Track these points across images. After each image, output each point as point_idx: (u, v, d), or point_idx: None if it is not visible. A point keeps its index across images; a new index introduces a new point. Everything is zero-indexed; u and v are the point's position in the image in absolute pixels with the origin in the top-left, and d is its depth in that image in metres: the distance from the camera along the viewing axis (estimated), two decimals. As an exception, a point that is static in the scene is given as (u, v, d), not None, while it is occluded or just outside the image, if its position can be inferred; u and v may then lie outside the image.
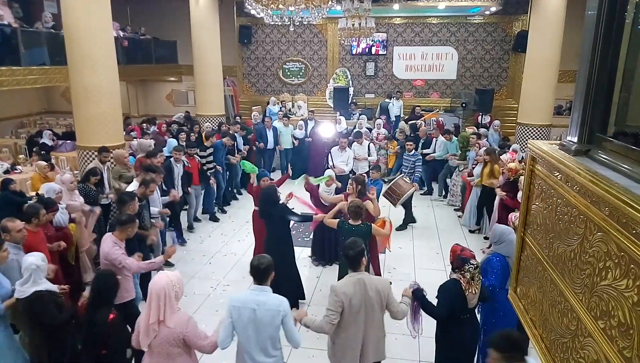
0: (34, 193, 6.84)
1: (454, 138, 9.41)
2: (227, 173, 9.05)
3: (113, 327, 3.16)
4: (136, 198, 4.80)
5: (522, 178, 6.13)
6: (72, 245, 5.09)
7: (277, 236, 5.15)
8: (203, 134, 9.07)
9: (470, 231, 7.91)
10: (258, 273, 3.11)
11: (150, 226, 5.43)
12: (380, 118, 11.60)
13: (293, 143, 10.83)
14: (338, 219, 4.73)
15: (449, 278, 3.64)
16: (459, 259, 3.53)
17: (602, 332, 1.54)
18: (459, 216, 8.57)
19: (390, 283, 3.57)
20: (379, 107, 13.60)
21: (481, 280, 3.59)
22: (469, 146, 8.67)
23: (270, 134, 10.38)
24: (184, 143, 8.24)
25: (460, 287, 3.45)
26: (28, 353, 3.63)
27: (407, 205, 7.89)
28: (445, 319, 3.56)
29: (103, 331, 3.12)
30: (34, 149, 9.46)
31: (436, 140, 9.64)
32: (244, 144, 9.60)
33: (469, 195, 8.19)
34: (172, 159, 7.11)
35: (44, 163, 7.45)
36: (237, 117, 12.11)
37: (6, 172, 7.90)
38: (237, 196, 9.65)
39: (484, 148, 7.72)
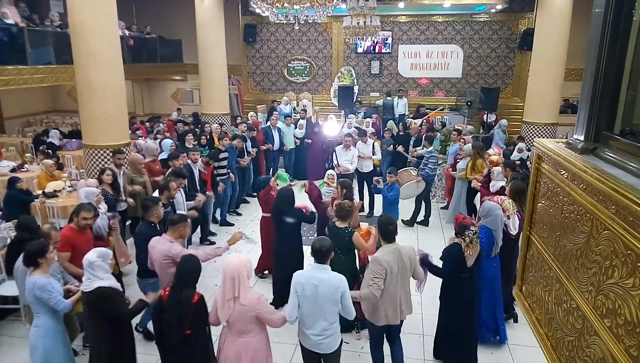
0: (40, 192, 6.90)
1: (438, 134, 9.52)
2: (239, 177, 8.67)
3: (198, 307, 3.26)
4: (159, 202, 4.69)
5: (495, 168, 6.54)
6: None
7: (288, 238, 5.18)
8: (215, 137, 8.74)
9: None
10: (319, 254, 3.43)
11: None
12: (370, 117, 11.50)
13: (295, 142, 10.60)
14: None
15: (452, 242, 4.20)
16: (461, 226, 4.06)
17: (608, 330, 1.54)
18: (444, 212, 8.64)
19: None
20: (382, 105, 13.57)
21: (479, 244, 4.11)
22: (449, 140, 8.78)
23: (276, 135, 10.10)
24: (191, 145, 7.76)
25: (460, 249, 4.01)
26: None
27: (419, 201, 7.92)
28: (448, 278, 4.16)
29: (188, 311, 3.22)
30: (40, 148, 9.52)
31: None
32: (252, 146, 9.16)
33: (449, 191, 8.34)
34: (189, 161, 6.86)
35: (50, 162, 7.50)
36: (239, 118, 11.81)
37: (13, 171, 7.95)
38: (248, 199, 9.27)
39: (469, 144, 7.84)
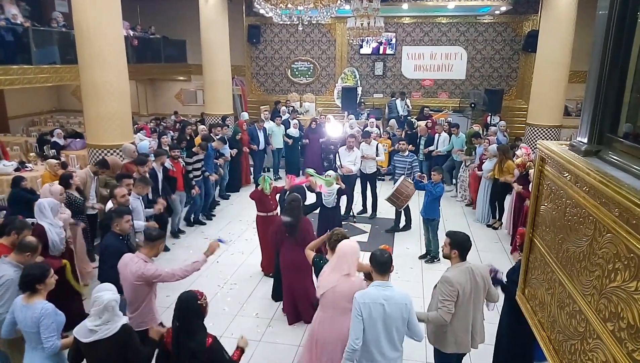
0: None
1: (461, 134, 9.56)
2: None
3: (215, 353, 2.77)
4: (125, 216, 4.18)
5: (531, 170, 6.53)
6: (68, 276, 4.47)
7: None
8: (196, 139, 8.50)
9: (488, 225, 8.11)
10: (383, 266, 3.16)
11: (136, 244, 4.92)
12: (371, 118, 11.58)
13: (286, 142, 10.74)
14: (314, 255, 4.03)
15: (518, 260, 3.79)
16: None
17: (611, 334, 1.53)
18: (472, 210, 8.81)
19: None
20: (386, 107, 13.56)
21: None
22: (475, 142, 8.89)
23: (261, 135, 10.28)
24: (167, 147, 7.84)
25: None
26: None
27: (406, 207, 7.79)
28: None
29: (205, 360, 2.74)
30: (44, 147, 9.55)
31: (439, 136, 9.82)
32: (232, 148, 9.22)
33: (475, 190, 8.52)
34: (154, 165, 6.74)
35: (54, 161, 7.51)
36: (228, 119, 11.28)
37: (17, 170, 7.98)
38: (226, 197, 9.53)
39: (494, 144, 8.02)
